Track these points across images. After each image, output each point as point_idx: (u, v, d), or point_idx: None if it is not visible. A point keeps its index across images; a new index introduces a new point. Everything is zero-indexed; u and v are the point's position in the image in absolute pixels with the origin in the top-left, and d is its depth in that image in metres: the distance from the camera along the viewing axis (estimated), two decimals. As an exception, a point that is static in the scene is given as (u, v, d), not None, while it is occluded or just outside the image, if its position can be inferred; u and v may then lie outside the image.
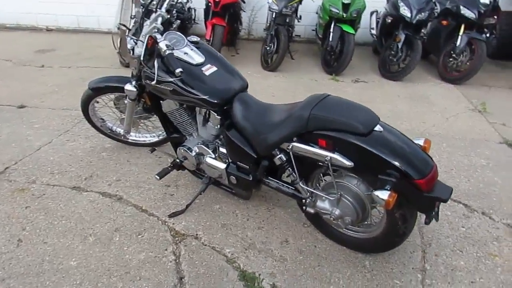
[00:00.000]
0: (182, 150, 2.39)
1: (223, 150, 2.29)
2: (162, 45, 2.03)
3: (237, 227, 2.33)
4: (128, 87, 2.46)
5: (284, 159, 1.97)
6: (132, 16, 2.39)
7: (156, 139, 3.09)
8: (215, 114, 2.20)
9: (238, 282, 1.96)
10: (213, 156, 2.30)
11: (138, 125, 3.02)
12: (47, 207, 2.46)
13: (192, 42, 2.26)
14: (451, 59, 5.03)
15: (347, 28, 4.94)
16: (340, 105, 1.82)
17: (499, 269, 2.06)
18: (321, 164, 1.85)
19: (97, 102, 2.91)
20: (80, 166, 2.91)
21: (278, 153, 1.97)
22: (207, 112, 2.26)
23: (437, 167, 1.68)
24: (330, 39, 5.08)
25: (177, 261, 2.08)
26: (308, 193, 2.02)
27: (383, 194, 1.60)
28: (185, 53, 2.17)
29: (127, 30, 2.21)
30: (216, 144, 2.35)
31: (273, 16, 5.29)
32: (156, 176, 2.39)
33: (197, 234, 2.27)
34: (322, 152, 1.78)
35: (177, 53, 2.11)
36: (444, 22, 5.08)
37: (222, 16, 5.28)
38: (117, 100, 2.92)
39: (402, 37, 4.96)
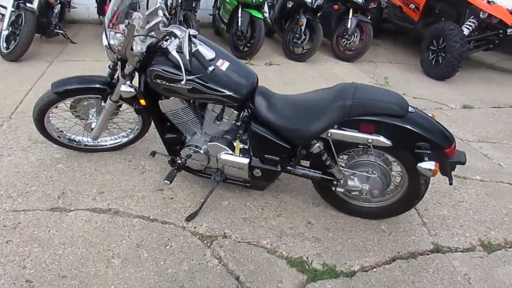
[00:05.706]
0: (190, 150, 2.28)
1: (241, 145, 2.26)
2: (187, 41, 1.88)
3: (258, 219, 2.36)
4: (125, 88, 2.18)
5: (322, 146, 2.08)
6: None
7: (122, 140, 2.82)
8: (233, 109, 2.16)
9: (291, 269, 2.04)
10: (230, 152, 2.25)
11: (107, 128, 2.70)
12: (36, 236, 2.08)
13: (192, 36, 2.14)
14: (343, 40, 5.67)
15: (256, 13, 5.10)
16: (373, 92, 2.02)
17: (470, 212, 2.58)
18: (360, 146, 2.04)
19: (56, 107, 2.49)
20: (41, 184, 2.47)
21: (316, 141, 2.07)
22: (222, 108, 2.19)
23: (454, 137, 2.04)
24: (239, 24, 5.19)
25: (223, 263, 2.04)
26: (341, 175, 2.19)
27: (429, 165, 1.88)
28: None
29: (134, 28, 1.97)
30: (227, 139, 2.30)
31: (179, 1, 5.12)
32: (166, 181, 2.24)
33: (225, 233, 2.23)
34: (364, 136, 1.96)
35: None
36: (336, 7, 5.66)
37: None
38: (75, 104, 2.56)
39: (304, 21, 5.37)
